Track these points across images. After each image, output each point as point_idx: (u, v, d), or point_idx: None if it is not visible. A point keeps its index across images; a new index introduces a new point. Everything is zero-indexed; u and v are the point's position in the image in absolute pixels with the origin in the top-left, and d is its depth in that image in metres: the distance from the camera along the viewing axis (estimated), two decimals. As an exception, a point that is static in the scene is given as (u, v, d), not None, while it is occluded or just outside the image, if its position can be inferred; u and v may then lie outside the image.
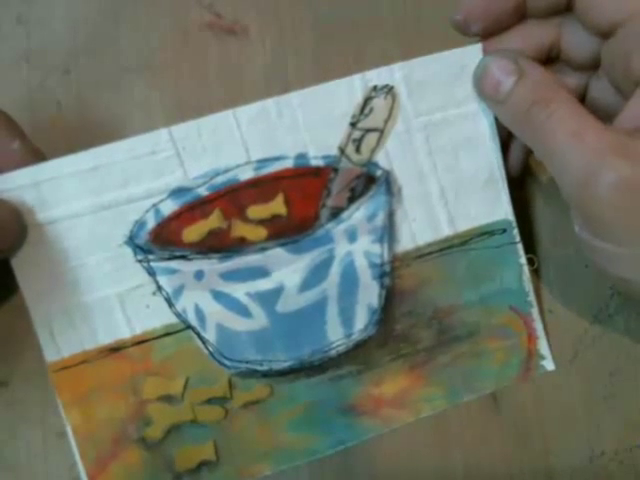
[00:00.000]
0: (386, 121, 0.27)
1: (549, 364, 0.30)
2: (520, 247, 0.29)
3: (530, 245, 0.30)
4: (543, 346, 0.30)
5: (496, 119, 0.28)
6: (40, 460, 0.28)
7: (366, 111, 0.27)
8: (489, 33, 0.27)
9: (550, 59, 0.28)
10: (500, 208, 0.29)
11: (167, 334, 0.27)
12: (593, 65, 0.27)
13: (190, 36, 0.31)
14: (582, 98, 0.28)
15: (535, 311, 0.30)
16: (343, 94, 0.27)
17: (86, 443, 0.27)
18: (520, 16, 0.27)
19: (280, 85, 0.30)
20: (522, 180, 0.31)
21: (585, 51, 0.27)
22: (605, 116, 0.25)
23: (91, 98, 0.30)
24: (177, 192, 0.26)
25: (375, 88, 0.27)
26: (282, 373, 0.28)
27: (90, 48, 0.30)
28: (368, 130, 0.27)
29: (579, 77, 0.28)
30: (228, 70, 0.31)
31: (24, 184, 0.25)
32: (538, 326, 0.30)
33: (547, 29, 0.27)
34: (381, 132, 0.27)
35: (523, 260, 0.29)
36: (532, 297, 0.29)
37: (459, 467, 0.29)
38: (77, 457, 0.27)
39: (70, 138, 0.29)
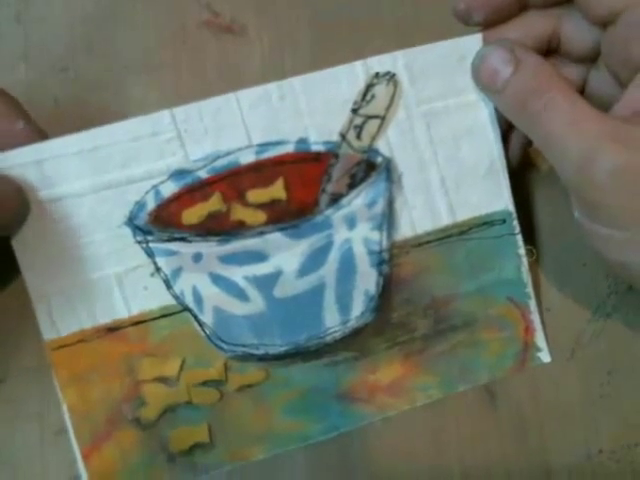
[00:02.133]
0: (387, 108, 0.27)
1: (545, 356, 0.30)
2: (519, 238, 0.29)
3: (529, 240, 0.30)
4: (540, 338, 0.30)
5: (496, 109, 0.28)
6: (38, 458, 0.28)
7: (368, 98, 0.27)
8: (490, 23, 0.27)
9: (550, 51, 0.28)
10: (500, 198, 0.29)
11: (164, 315, 0.27)
12: (592, 56, 0.27)
13: (188, 34, 0.31)
14: (581, 90, 0.28)
15: (533, 303, 0.29)
16: (345, 80, 0.27)
17: (81, 422, 0.27)
18: (521, 6, 0.27)
19: None
20: (520, 173, 0.31)
21: (585, 42, 0.27)
22: (604, 107, 0.25)
23: (89, 96, 0.30)
24: (177, 174, 0.26)
25: (377, 75, 0.27)
26: (278, 357, 0.28)
27: (88, 46, 0.30)
28: (369, 117, 0.27)
29: (578, 69, 0.28)
30: (226, 68, 0.31)
31: (27, 162, 0.25)
32: (535, 318, 0.30)
33: (547, 20, 0.27)
34: (382, 119, 0.27)
35: (522, 251, 0.29)
36: (530, 289, 0.29)
37: (456, 464, 0.29)
38: (71, 436, 0.27)
39: None
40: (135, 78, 0.30)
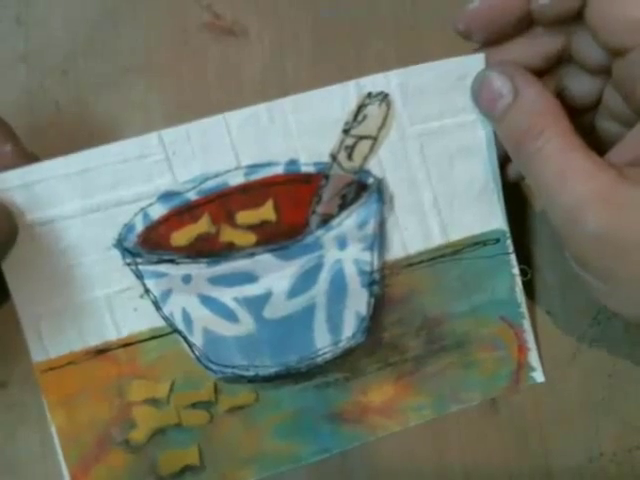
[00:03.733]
0: (380, 129, 0.27)
1: (539, 376, 0.29)
2: (513, 257, 0.29)
3: (529, 246, 0.30)
4: (534, 358, 0.29)
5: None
6: (39, 462, 0.28)
7: (359, 118, 0.27)
8: (493, 42, 0.26)
9: (562, 60, 0.27)
10: (494, 218, 0.28)
11: (154, 337, 0.27)
12: (607, 71, 0.26)
13: (189, 36, 0.31)
14: (597, 100, 0.27)
15: (527, 322, 0.29)
16: (337, 100, 0.26)
17: (70, 445, 0.27)
18: (525, 25, 0.26)
19: (279, 85, 0.31)
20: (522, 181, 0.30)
21: (597, 60, 0.25)
22: (620, 121, 0.25)
23: (90, 99, 0.30)
24: (166, 196, 0.26)
25: (370, 95, 0.26)
26: (268, 379, 0.28)
27: (89, 49, 0.30)
28: (361, 137, 0.27)
29: (594, 79, 0.26)
30: (227, 70, 0.31)
31: (15, 185, 0.25)
32: (529, 337, 0.29)
33: (556, 37, 0.26)
34: (374, 140, 0.27)
35: (516, 271, 0.29)
36: (524, 308, 0.29)
37: (457, 468, 0.29)
38: (60, 459, 0.27)
39: (68, 139, 0.29)
40: (136, 80, 0.30)
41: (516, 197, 0.30)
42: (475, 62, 0.26)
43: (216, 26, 0.30)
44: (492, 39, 0.26)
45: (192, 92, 0.30)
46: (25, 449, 0.28)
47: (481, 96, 0.26)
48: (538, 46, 0.26)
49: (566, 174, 0.23)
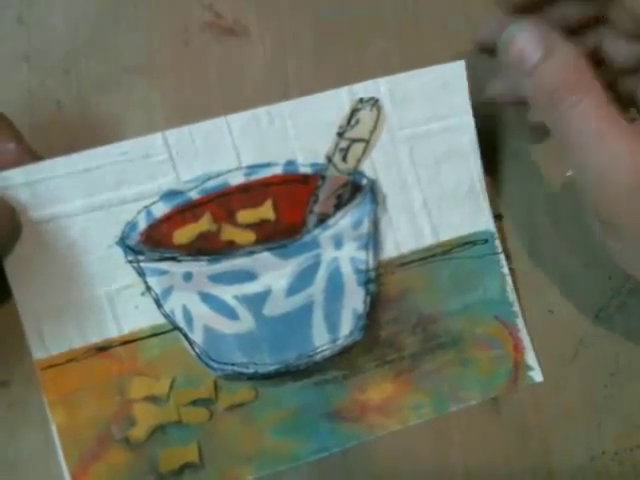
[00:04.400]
0: (371, 132, 0.28)
1: (537, 375, 0.30)
2: (502, 257, 0.30)
3: (530, 245, 0.31)
4: (530, 357, 0.30)
5: (477, 132, 0.29)
6: (41, 460, 0.27)
7: (352, 122, 0.28)
8: (523, 10, 0.25)
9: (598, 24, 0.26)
10: (481, 219, 0.30)
11: (154, 334, 0.27)
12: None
13: (190, 36, 0.31)
14: (632, 102, 0.27)
15: (520, 322, 0.30)
16: (331, 105, 0.28)
17: (70, 442, 0.26)
18: None
19: (280, 85, 0.31)
20: (522, 175, 0.31)
21: (630, 56, 0.26)
22: None
23: (91, 98, 0.30)
24: (169, 195, 0.27)
25: (361, 100, 0.28)
26: (267, 377, 0.28)
27: (90, 48, 0.30)
28: (354, 140, 0.28)
29: (629, 80, 0.27)
30: (228, 70, 0.31)
31: (19, 183, 0.26)
32: (524, 336, 0.30)
33: (584, 43, 0.26)
34: (367, 142, 0.28)
35: (506, 270, 0.30)
36: (517, 307, 0.30)
37: (459, 467, 0.29)
38: (60, 456, 0.26)
39: (70, 138, 0.29)
40: (137, 80, 0.30)
41: (519, 195, 0.30)
42: (456, 69, 0.28)
43: (217, 26, 0.31)
44: (523, 5, 0.25)
45: (193, 92, 0.30)
46: (27, 448, 0.27)
47: (510, 50, 0.24)
48: (571, 10, 0.26)
49: (602, 131, 0.23)
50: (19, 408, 0.27)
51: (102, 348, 0.27)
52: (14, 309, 0.27)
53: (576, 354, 0.30)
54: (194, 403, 0.28)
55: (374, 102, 0.28)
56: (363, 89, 0.28)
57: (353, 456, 0.29)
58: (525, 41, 0.24)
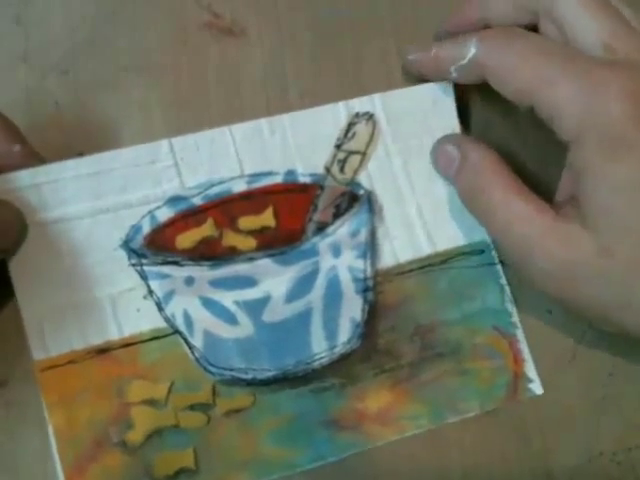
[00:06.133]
0: (368, 145, 0.30)
1: (537, 388, 0.30)
2: (499, 268, 0.30)
3: None
4: (530, 369, 0.30)
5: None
6: (38, 460, 0.27)
7: (349, 135, 0.29)
8: None
9: None
10: (477, 230, 0.30)
11: (155, 338, 0.28)
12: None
13: (188, 36, 0.31)
14: None
15: (520, 333, 0.30)
16: (329, 118, 0.29)
17: (66, 444, 0.26)
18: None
19: (278, 85, 0.31)
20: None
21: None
22: None
23: (89, 98, 0.30)
24: (173, 200, 0.28)
25: (357, 114, 0.29)
26: (266, 383, 0.28)
27: (88, 48, 0.30)
28: (351, 152, 0.29)
29: None
30: (226, 70, 0.31)
31: (26, 185, 0.27)
32: (524, 348, 0.30)
33: None
34: (363, 155, 0.30)
35: (504, 281, 0.30)
36: (516, 318, 0.30)
37: (457, 467, 0.29)
38: (56, 458, 0.26)
39: (68, 138, 0.29)
40: (135, 80, 0.30)
41: None
42: (444, 88, 0.30)
43: (216, 26, 0.31)
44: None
45: (191, 91, 0.30)
46: (24, 448, 0.27)
47: (439, 162, 0.30)
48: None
49: (511, 221, 0.26)
50: (16, 408, 0.27)
51: (102, 350, 0.27)
52: (12, 309, 0.27)
53: (574, 354, 0.30)
54: (192, 408, 0.28)
55: (369, 116, 0.29)
56: (359, 104, 0.29)
57: (351, 459, 0.28)
58: (444, 154, 0.29)
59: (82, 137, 0.29)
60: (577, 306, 0.26)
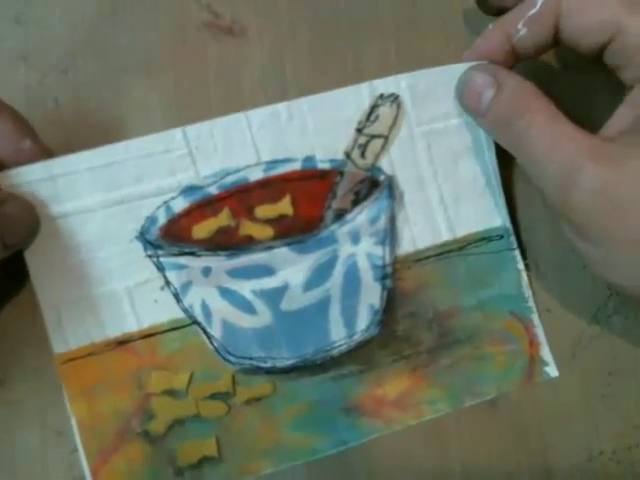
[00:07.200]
0: (391, 128, 0.29)
1: (552, 370, 0.30)
2: (518, 253, 0.30)
3: (528, 245, 0.31)
4: (545, 352, 0.30)
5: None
6: (38, 459, 0.28)
7: (372, 118, 0.28)
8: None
9: None
10: (497, 215, 0.30)
11: (173, 329, 0.28)
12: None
13: (188, 36, 0.31)
14: None
15: (536, 317, 0.30)
16: (351, 101, 0.28)
17: (90, 436, 0.27)
18: (512, 61, 0.28)
19: (278, 85, 0.31)
20: (521, 179, 0.31)
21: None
22: None
23: (89, 98, 0.30)
24: (188, 190, 0.27)
25: (382, 96, 0.28)
26: (285, 371, 0.28)
27: (88, 48, 0.30)
28: (373, 136, 0.28)
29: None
30: (226, 70, 0.31)
31: (40, 178, 0.26)
32: (539, 332, 0.30)
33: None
34: (385, 139, 0.29)
35: (521, 266, 0.30)
36: (532, 303, 0.30)
37: (457, 466, 0.29)
38: (80, 450, 0.27)
39: (68, 138, 0.29)
40: (135, 79, 0.30)
41: (516, 196, 0.31)
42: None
43: (215, 25, 0.31)
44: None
45: (191, 91, 0.30)
46: (23, 446, 0.27)
47: (465, 95, 0.27)
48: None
49: (558, 139, 0.24)
50: (14, 406, 0.28)
51: (122, 342, 0.27)
52: (12, 309, 0.27)
53: (574, 353, 0.30)
54: (212, 397, 0.28)
55: (394, 98, 0.28)
56: (383, 85, 0.28)
57: (352, 455, 0.29)
58: (477, 83, 0.27)
59: (82, 137, 0.28)
60: (614, 245, 0.24)
